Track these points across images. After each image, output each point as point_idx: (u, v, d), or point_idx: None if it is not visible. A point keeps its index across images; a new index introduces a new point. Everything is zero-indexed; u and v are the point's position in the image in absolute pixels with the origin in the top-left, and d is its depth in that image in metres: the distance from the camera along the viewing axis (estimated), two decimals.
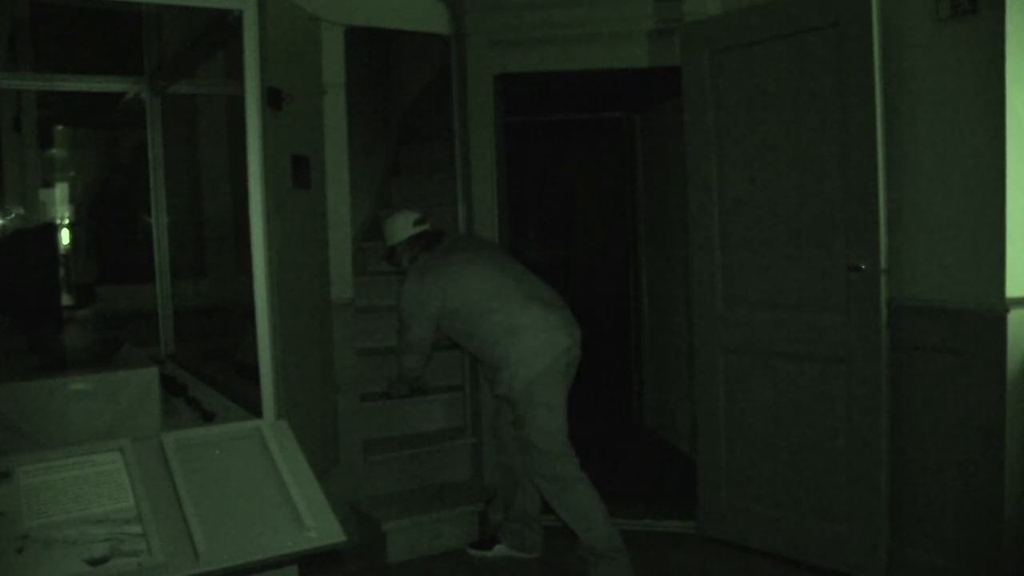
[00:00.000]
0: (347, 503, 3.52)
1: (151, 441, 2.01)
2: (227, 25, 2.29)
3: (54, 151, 3.75)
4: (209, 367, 2.87)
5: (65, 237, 3.59)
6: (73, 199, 3.71)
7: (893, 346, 2.94)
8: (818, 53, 3.04)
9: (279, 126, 2.41)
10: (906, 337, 2.93)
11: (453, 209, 3.96)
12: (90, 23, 3.40)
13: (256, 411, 2.24)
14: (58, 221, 3.59)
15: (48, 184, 3.65)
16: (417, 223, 3.34)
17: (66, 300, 3.38)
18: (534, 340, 3.03)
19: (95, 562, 1.69)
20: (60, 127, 3.74)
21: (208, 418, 2.29)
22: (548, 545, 3.41)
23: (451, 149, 3.96)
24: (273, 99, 2.32)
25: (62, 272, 3.50)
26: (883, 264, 2.91)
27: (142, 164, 3.24)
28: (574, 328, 3.12)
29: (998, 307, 2.65)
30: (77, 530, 1.75)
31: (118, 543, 1.73)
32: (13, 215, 3.46)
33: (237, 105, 2.25)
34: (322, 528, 1.90)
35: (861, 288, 2.97)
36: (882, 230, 2.90)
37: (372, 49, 4.93)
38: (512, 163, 4.12)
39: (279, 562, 1.90)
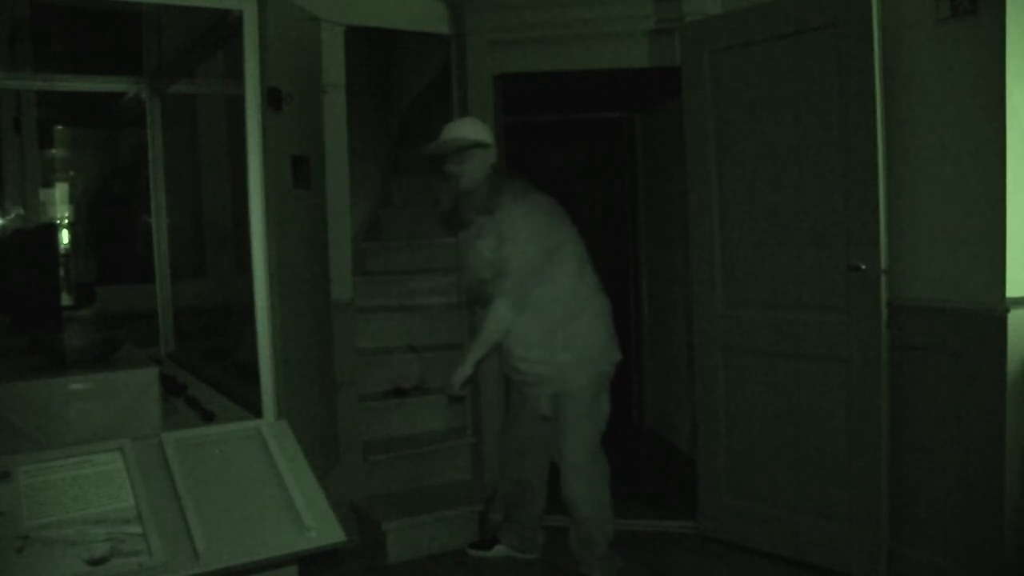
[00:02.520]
0: (347, 503, 3.52)
1: (151, 441, 2.01)
2: (227, 25, 2.29)
3: (54, 151, 3.75)
4: (209, 367, 2.87)
5: (65, 237, 3.59)
6: (73, 199, 3.71)
7: (893, 346, 2.94)
8: (818, 53, 3.04)
9: (279, 126, 2.41)
10: (906, 337, 2.93)
11: None
12: (90, 23, 3.40)
13: (256, 411, 2.24)
14: (58, 221, 3.59)
15: (48, 184, 3.65)
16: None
17: (66, 300, 3.38)
18: (597, 340, 2.98)
19: (95, 562, 1.69)
20: (60, 127, 3.74)
21: (208, 418, 2.29)
22: (548, 545, 3.40)
23: None
24: (273, 99, 2.32)
25: (62, 272, 3.50)
26: (883, 264, 2.90)
27: (142, 164, 3.24)
28: None
29: (998, 307, 2.65)
30: (77, 530, 1.75)
31: (118, 543, 1.73)
32: (13, 215, 3.46)
33: (237, 105, 2.25)
34: (322, 528, 1.90)
35: (861, 288, 2.97)
36: (882, 230, 2.90)
37: (372, 49, 4.93)
38: (512, 163, 4.12)
39: (279, 562, 1.90)
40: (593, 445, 3.01)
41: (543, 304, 2.91)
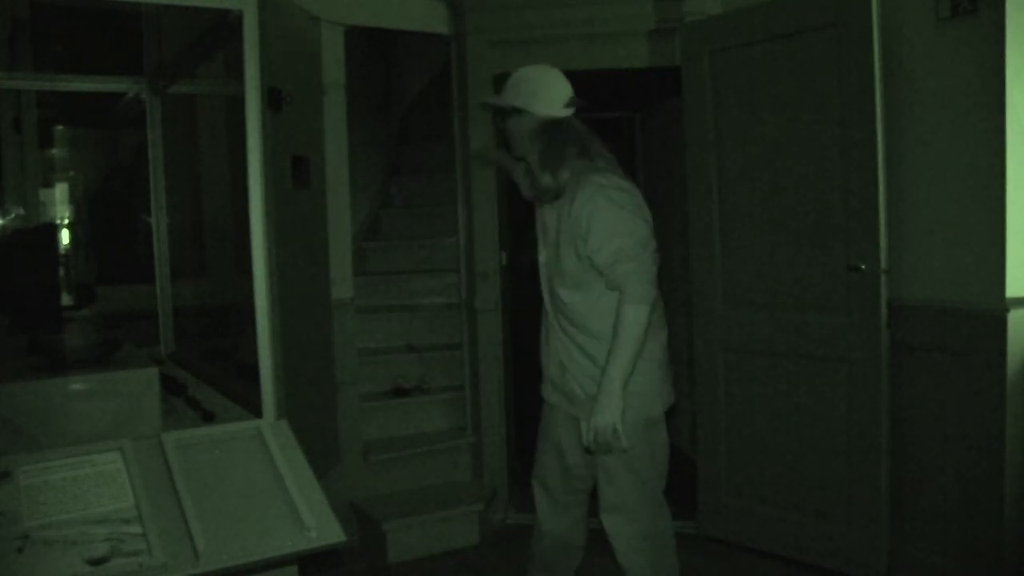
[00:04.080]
0: (347, 503, 3.52)
1: (151, 441, 2.00)
2: (227, 25, 2.29)
3: (54, 151, 3.75)
4: (209, 367, 2.86)
5: (65, 237, 3.59)
6: (73, 199, 3.71)
7: (893, 346, 2.94)
8: (818, 53, 3.04)
9: (279, 126, 2.41)
10: (906, 337, 2.93)
11: (453, 209, 3.96)
12: (90, 23, 3.40)
13: (256, 411, 2.24)
14: (58, 221, 3.59)
15: (48, 184, 3.64)
16: (572, 103, 2.31)
17: (66, 300, 3.38)
18: (661, 369, 2.34)
19: (95, 562, 1.68)
20: (60, 127, 3.74)
21: (208, 418, 2.28)
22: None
23: (451, 149, 3.96)
24: (273, 99, 2.32)
25: (62, 272, 3.50)
26: (883, 264, 2.91)
27: (142, 164, 3.24)
28: None
29: (998, 307, 2.65)
30: (77, 530, 1.74)
31: (118, 543, 1.73)
32: (13, 215, 3.46)
33: (237, 105, 2.25)
34: (322, 528, 1.89)
35: (861, 288, 2.97)
36: (882, 230, 2.90)
37: (372, 49, 4.93)
38: None
39: (279, 562, 1.89)
40: (653, 492, 2.34)
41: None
